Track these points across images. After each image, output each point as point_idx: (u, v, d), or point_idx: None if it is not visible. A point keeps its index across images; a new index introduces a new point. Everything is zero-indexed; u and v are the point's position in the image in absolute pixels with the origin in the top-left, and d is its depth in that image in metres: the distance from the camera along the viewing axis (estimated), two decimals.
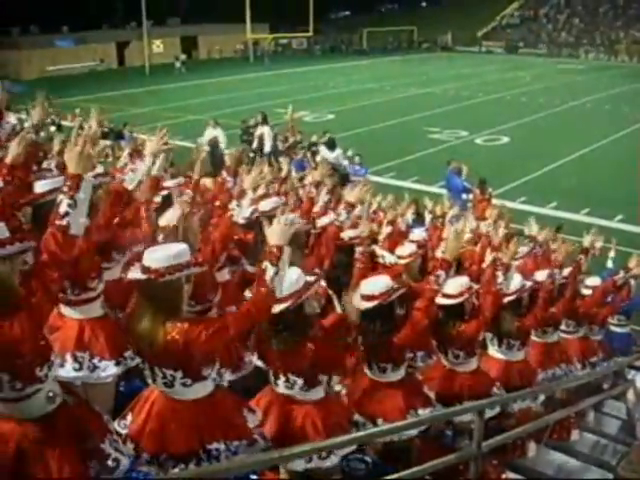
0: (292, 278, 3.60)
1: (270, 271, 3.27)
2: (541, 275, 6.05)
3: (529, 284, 5.68)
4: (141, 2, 42.50)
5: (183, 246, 3.27)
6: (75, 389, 3.48)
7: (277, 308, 3.53)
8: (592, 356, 7.08)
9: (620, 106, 30.20)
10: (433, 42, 60.91)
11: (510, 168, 19.56)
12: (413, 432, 4.32)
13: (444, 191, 14.14)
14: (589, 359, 7.00)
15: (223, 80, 39.27)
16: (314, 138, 17.55)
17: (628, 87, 36.41)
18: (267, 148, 17.49)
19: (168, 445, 3.26)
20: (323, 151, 16.25)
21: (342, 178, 14.30)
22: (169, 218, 4.52)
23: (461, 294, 4.73)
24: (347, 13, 68.70)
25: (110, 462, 3.00)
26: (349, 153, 16.80)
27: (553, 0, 62.69)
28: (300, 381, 3.75)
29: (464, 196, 14.07)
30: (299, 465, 3.69)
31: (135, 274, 3.18)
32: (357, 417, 4.32)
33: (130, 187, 4.33)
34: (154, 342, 3.15)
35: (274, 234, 3.36)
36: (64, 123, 19.98)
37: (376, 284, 4.27)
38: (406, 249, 5.51)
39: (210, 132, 17.56)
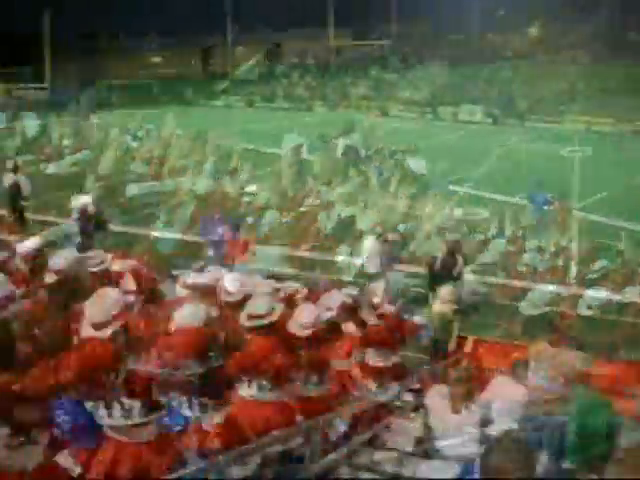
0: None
1: None
2: (631, 291, 5.88)
3: (617, 298, 5.54)
4: (226, 9, 43.40)
5: None
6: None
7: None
8: None
9: None
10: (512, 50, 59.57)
11: (593, 180, 18.97)
12: None
13: (526, 202, 13.93)
14: None
15: (305, 86, 39.57)
16: (393, 147, 17.60)
17: None
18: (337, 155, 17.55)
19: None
20: (411, 161, 16.43)
21: (422, 187, 14.28)
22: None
23: (545, 304, 4.69)
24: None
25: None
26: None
27: None
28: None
29: (545, 208, 13.83)
30: None
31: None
32: None
33: None
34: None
35: None
36: (149, 126, 20.58)
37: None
38: (486, 258, 5.54)
39: (290, 139, 17.74)
